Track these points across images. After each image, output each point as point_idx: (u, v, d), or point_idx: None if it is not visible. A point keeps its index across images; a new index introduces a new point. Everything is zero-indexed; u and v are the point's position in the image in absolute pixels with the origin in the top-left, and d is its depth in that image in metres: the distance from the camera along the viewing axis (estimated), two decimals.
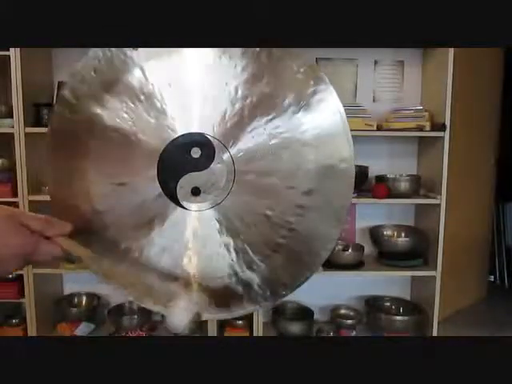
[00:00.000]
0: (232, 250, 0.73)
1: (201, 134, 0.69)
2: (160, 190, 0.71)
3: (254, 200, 0.72)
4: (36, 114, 2.11)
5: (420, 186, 2.27)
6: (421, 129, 2.17)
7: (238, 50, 0.68)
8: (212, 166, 0.69)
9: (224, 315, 0.78)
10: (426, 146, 2.36)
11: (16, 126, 2.01)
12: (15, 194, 2.06)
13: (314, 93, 0.69)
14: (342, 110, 0.70)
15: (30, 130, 2.03)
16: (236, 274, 0.74)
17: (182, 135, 0.69)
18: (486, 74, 2.91)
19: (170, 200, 0.71)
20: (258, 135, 0.70)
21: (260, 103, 0.70)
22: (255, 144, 0.70)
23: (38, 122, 2.09)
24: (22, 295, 2.14)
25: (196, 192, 0.71)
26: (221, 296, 0.75)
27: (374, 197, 2.17)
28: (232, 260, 0.73)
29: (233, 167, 0.70)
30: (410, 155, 2.46)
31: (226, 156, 0.70)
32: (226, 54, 0.68)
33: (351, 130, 0.71)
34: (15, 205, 2.11)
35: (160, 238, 0.73)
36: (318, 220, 0.72)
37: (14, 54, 1.96)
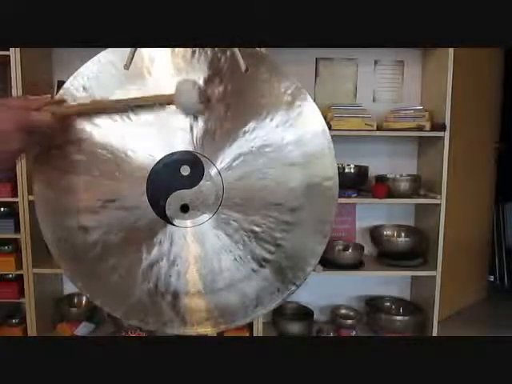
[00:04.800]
0: (221, 265, 0.74)
1: (190, 153, 0.70)
2: (149, 207, 0.71)
3: (242, 217, 0.73)
4: None
5: (420, 185, 2.27)
6: (421, 129, 2.17)
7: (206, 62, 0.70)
8: (201, 183, 0.71)
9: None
10: (426, 146, 2.36)
11: None
12: (15, 194, 2.06)
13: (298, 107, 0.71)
14: (326, 128, 0.72)
15: None
16: (223, 288, 0.74)
17: (172, 153, 0.70)
18: (486, 74, 2.91)
19: (158, 217, 0.71)
20: (245, 153, 0.71)
21: (240, 113, 0.71)
22: (243, 162, 0.71)
23: None
24: (22, 295, 2.14)
25: (185, 209, 0.71)
26: (206, 310, 0.76)
27: (374, 197, 2.17)
28: (219, 275, 0.74)
29: (221, 185, 0.71)
30: (410, 155, 2.46)
31: (214, 174, 0.71)
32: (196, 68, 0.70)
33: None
34: (15, 205, 2.11)
35: (148, 255, 0.73)
36: (303, 236, 0.73)
37: (13, 53, 1.96)
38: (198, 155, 0.70)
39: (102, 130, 0.70)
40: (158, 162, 0.70)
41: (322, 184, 0.72)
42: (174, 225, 0.72)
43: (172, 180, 0.71)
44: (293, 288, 0.75)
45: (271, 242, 0.73)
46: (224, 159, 0.71)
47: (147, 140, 0.70)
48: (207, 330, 0.75)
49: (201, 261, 0.73)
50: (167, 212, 0.71)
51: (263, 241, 0.73)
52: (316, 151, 0.72)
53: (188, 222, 0.72)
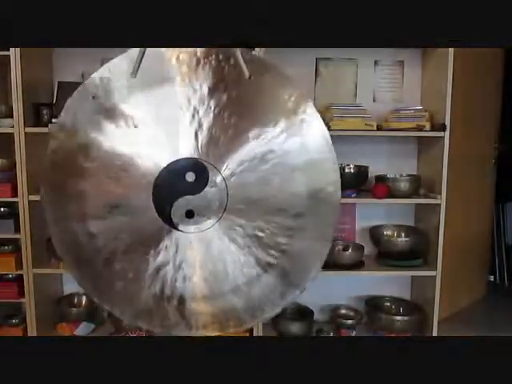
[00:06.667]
0: (226, 269, 0.74)
1: (195, 159, 0.71)
2: (155, 212, 0.72)
3: (246, 222, 0.73)
4: (36, 113, 2.10)
5: (420, 186, 2.27)
6: (421, 129, 2.17)
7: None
8: (206, 189, 0.71)
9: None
10: (426, 146, 2.36)
11: (16, 125, 2.01)
12: (15, 194, 2.06)
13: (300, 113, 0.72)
14: (327, 135, 0.71)
15: (29, 129, 2.03)
16: (227, 293, 0.75)
17: (177, 160, 0.71)
18: (486, 74, 2.91)
19: (164, 223, 0.72)
20: (249, 160, 0.71)
21: (246, 121, 0.72)
22: (247, 168, 0.72)
23: (37, 122, 2.09)
24: (22, 295, 2.14)
25: (190, 215, 0.72)
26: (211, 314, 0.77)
27: (374, 197, 2.18)
28: (223, 280, 0.75)
29: (226, 191, 0.71)
30: (410, 155, 2.46)
31: (219, 180, 0.71)
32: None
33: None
34: (15, 205, 2.11)
35: (154, 260, 0.74)
36: (306, 240, 0.74)
37: (13, 53, 1.96)
38: (203, 162, 0.71)
39: (110, 137, 0.70)
40: (163, 169, 0.71)
41: (324, 189, 0.72)
42: (178, 230, 0.72)
43: (177, 186, 0.71)
44: (296, 292, 0.77)
45: (275, 247, 0.74)
46: (228, 166, 0.71)
47: (154, 146, 0.71)
48: (214, 333, 0.76)
49: (206, 265, 0.74)
50: (172, 218, 0.72)
51: (267, 246, 0.73)
52: (318, 157, 0.72)
53: (192, 228, 0.73)
